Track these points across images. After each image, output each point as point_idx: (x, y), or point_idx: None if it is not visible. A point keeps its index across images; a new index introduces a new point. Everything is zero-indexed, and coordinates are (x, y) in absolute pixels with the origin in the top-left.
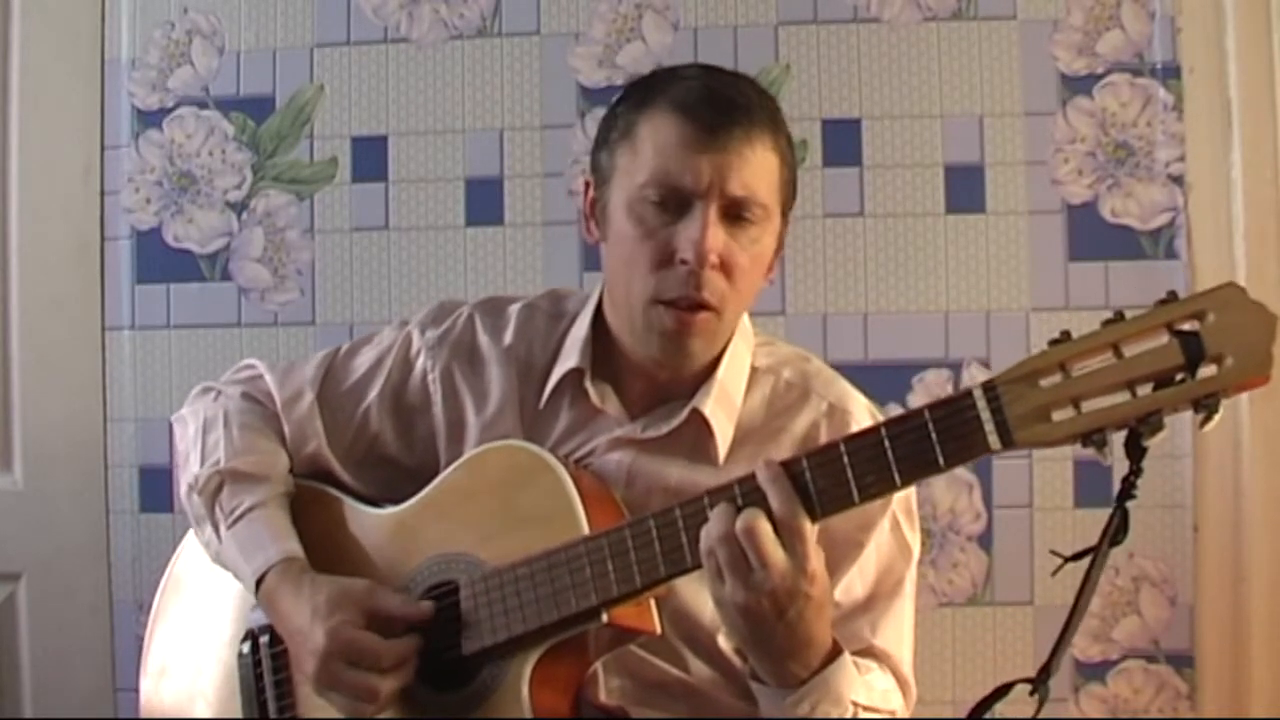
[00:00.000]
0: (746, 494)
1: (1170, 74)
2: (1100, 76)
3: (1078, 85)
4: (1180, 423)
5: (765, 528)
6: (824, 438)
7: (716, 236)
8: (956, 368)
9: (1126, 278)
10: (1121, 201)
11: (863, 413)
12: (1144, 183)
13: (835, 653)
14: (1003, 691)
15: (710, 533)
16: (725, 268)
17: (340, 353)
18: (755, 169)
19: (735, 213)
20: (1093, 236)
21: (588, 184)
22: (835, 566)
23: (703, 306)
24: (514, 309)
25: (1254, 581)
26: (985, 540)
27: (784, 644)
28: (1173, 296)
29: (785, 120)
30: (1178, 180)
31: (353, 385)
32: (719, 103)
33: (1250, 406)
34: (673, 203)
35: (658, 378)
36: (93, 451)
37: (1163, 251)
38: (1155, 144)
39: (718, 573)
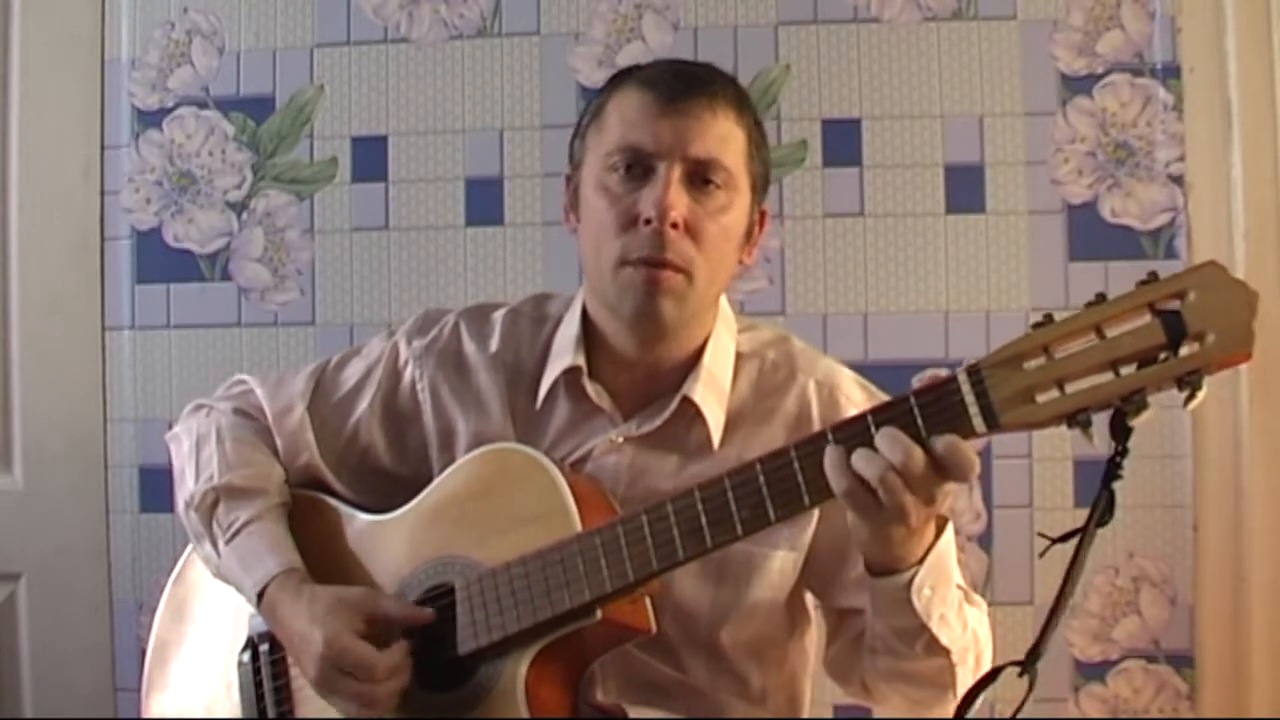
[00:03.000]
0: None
1: (1170, 74)
2: (1100, 76)
3: (1078, 85)
4: (1180, 423)
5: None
6: (815, 413)
7: (679, 196)
8: (956, 368)
9: (1126, 278)
10: (1121, 201)
11: (850, 386)
12: (1144, 183)
13: (942, 521)
14: (992, 677)
15: (873, 470)
16: (691, 231)
17: (329, 365)
18: (718, 135)
19: (700, 176)
20: (1093, 236)
21: (567, 177)
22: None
23: (663, 265)
24: (498, 315)
25: (1254, 581)
26: (985, 540)
27: (919, 526)
28: (1154, 277)
29: (754, 107)
30: (1178, 180)
31: (342, 397)
32: (682, 76)
33: (1250, 406)
34: (637, 168)
35: (645, 370)
36: (93, 451)
37: (1163, 251)
38: (1155, 144)
39: (874, 504)
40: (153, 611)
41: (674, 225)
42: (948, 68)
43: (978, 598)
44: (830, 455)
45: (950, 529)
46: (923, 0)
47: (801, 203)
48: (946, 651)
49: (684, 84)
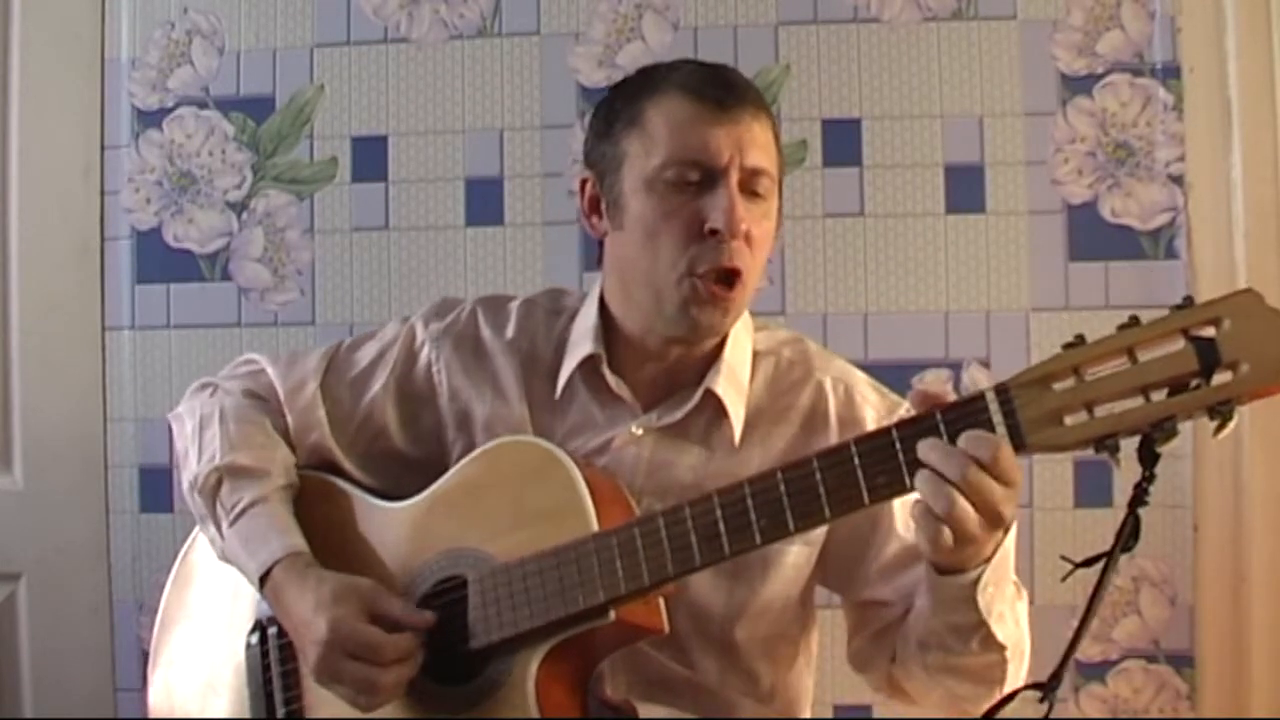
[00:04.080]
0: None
1: (1170, 74)
2: (1100, 76)
3: (1078, 85)
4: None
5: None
6: (831, 411)
7: (744, 206)
8: (956, 368)
9: (1126, 278)
10: (1121, 201)
11: (865, 387)
12: (1144, 183)
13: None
14: (1009, 698)
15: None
16: (748, 239)
17: (343, 346)
18: (763, 143)
19: (750, 186)
20: (1093, 236)
21: (585, 181)
22: (873, 527)
23: (735, 276)
24: (514, 305)
25: (1254, 581)
26: None
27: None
28: (1189, 302)
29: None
30: (1178, 180)
31: (356, 376)
32: (723, 82)
33: (1250, 407)
34: (695, 178)
35: (666, 365)
36: (93, 451)
37: (1163, 251)
38: (1155, 144)
39: (979, 509)
40: (153, 611)
41: (740, 236)
42: (948, 68)
43: (1024, 591)
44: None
45: (1014, 524)
46: (923, 0)
47: (801, 203)
48: (1001, 648)
49: (728, 91)
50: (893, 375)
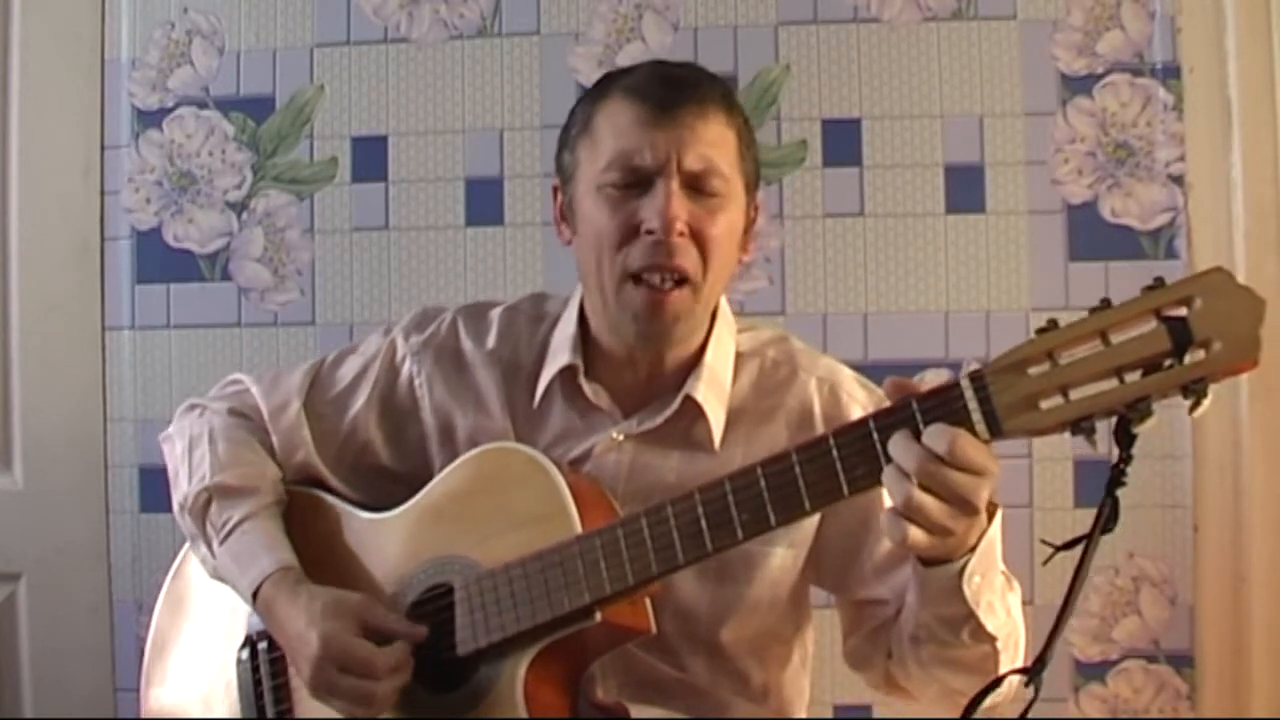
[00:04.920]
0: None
1: (1170, 74)
2: (1100, 76)
3: (1078, 85)
4: (1180, 423)
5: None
6: (817, 410)
7: (680, 204)
8: (956, 368)
9: (1126, 278)
10: (1121, 201)
11: (852, 384)
12: (1144, 183)
13: (993, 507)
14: (996, 683)
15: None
16: (696, 238)
17: (326, 362)
18: (710, 141)
19: (697, 185)
20: (1093, 236)
21: (556, 189)
22: (865, 526)
23: (678, 278)
24: (495, 313)
25: (1254, 581)
26: None
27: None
28: (1160, 282)
29: (740, 104)
30: (1178, 180)
31: (339, 393)
32: (669, 83)
33: (1250, 406)
34: (634, 181)
35: (644, 372)
36: (93, 451)
37: (1163, 251)
38: (1155, 144)
39: (946, 500)
40: (153, 610)
41: (680, 234)
42: (948, 68)
43: (1015, 582)
44: (888, 473)
45: (1000, 514)
46: (923, 0)
47: (801, 203)
48: (992, 639)
49: (672, 91)
50: (893, 375)
